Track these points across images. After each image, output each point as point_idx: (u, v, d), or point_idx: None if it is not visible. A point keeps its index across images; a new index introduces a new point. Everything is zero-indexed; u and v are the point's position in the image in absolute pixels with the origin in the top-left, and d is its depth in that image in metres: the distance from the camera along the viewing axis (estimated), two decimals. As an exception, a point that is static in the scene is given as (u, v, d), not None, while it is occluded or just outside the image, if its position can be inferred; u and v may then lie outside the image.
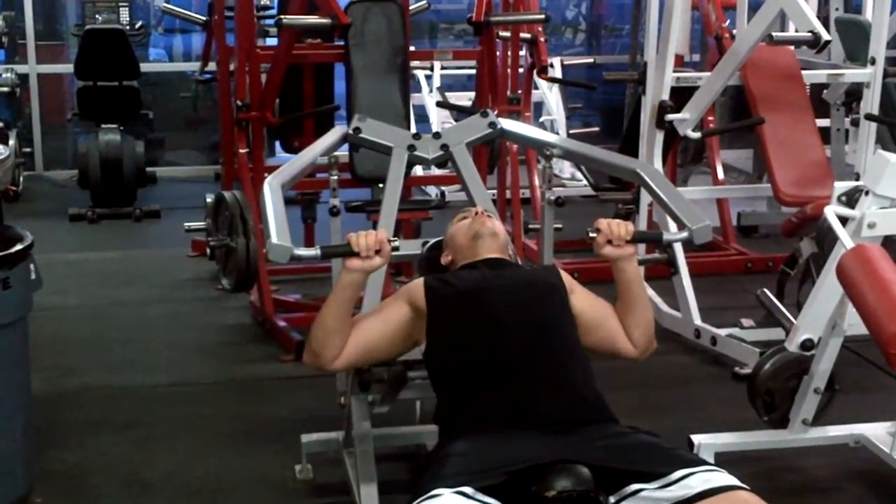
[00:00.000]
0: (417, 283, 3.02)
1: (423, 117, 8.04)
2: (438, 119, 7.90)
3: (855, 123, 5.56)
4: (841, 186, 3.31)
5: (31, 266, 3.43)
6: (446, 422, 2.82)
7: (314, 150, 3.64)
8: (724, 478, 2.47)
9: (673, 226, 4.40)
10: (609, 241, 3.00)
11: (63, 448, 4.02)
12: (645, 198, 5.40)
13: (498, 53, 6.13)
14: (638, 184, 3.77)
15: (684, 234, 3.23)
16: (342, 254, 2.96)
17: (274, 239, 3.03)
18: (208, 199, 5.45)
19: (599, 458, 2.53)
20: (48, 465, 3.85)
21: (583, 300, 3.04)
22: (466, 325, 2.88)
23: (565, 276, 3.07)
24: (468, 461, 2.52)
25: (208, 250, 5.30)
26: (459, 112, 6.65)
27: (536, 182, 6.48)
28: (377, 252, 2.92)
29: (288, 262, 3.07)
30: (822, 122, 5.98)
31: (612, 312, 3.07)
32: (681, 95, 5.20)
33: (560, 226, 4.12)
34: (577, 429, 2.66)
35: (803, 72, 5.50)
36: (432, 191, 7.40)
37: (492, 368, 2.78)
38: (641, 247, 5.54)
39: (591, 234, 3.03)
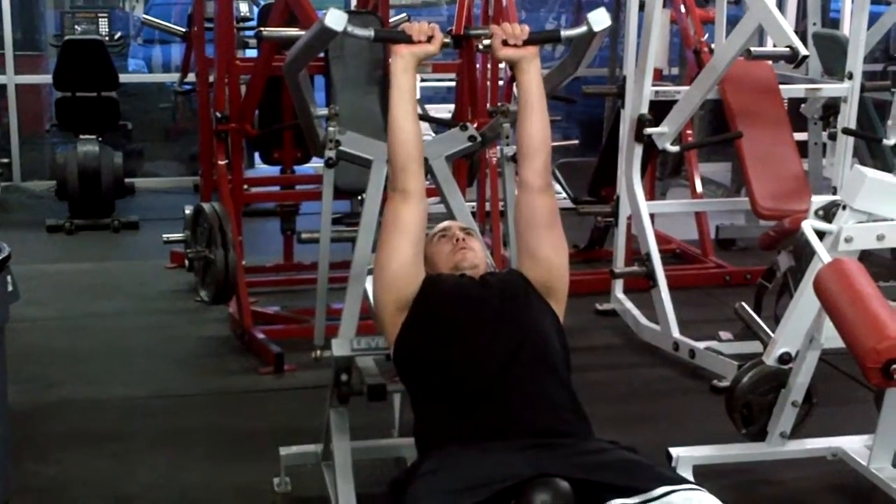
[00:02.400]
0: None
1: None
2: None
3: (832, 137, 5.59)
4: (818, 200, 3.32)
5: (9, 278, 3.41)
6: (425, 437, 2.80)
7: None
8: (705, 498, 2.46)
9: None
10: (506, 43, 2.98)
11: (40, 461, 4.00)
12: (624, 210, 5.42)
13: (478, 66, 6.14)
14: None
15: (582, 28, 3.16)
16: (396, 38, 2.95)
17: (333, 10, 3.01)
18: (187, 211, 5.44)
19: (580, 472, 2.51)
20: (25, 478, 3.83)
21: (520, 263, 3.01)
22: (442, 329, 2.85)
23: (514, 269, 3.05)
24: (448, 478, 2.50)
25: (187, 262, 5.29)
26: (439, 125, 6.66)
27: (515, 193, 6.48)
28: (429, 39, 2.92)
29: (341, 29, 3.01)
30: (800, 136, 6.02)
31: (514, 226, 3.08)
32: (660, 109, 5.22)
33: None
34: (557, 442, 2.65)
35: (781, 86, 5.53)
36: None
37: (470, 383, 2.76)
38: (620, 259, 5.57)
39: (486, 42, 3.00)
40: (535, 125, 2.99)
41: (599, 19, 3.11)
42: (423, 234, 2.98)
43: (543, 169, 2.99)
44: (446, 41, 2.97)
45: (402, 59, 2.93)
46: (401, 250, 2.91)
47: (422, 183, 2.95)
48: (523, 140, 3.00)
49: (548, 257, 2.97)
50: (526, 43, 2.97)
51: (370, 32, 3.03)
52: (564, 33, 3.19)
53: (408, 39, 2.92)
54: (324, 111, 3.75)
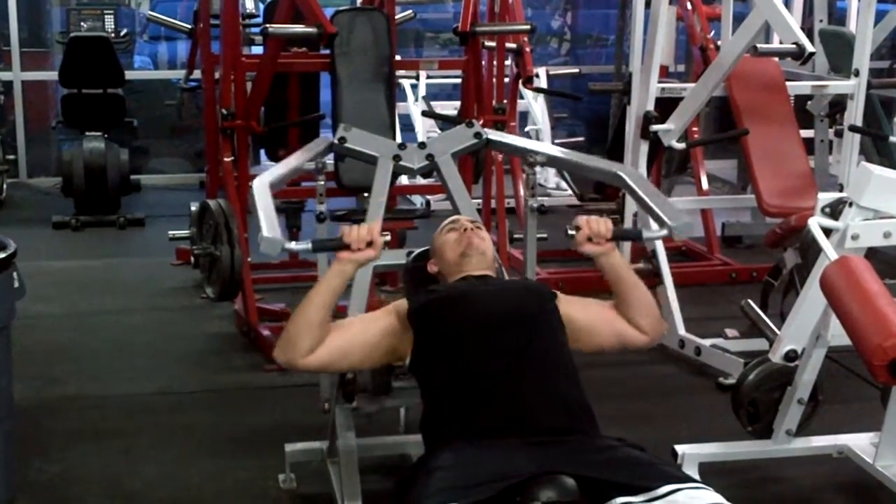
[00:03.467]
0: (404, 301, 3.02)
1: (408, 126, 8.04)
2: (424, 128, 7.90)
3: (839, 134, 5.57)
4: (825, 198, 3.32)
5: (15, 274, 3.42)
6: (432, 431, 2.81)
7: (300, 157, 3.64)
8: (710, 496, 2.47)
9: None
10: (589, 239, 3.00)
11: (45, 457, 4.00)
12: (630, 207, 5.41)
13: (483, 63, 6.13)
14: (621, 188, 3.79)
15: (664, 231, 3.24)
16: (334, 247, 2.96)
17: (266, 232, 3.02)
18: (193, 208, 5.44)
19: (586, 469, 2.52)
20: (30, 474, 3.84)
21: (574, 306, 3.04)
22: (453, 333, 2.87)
23: (553, 290, 3.08)
24: (455, 476, 2.51)
25: (192, 259, 5.29)
26: (445, 122, 6.66)
27: (521, 192, 6.49)
28: (369, 244, 2.92)
29: (279, 255, 3.06)
30: (806, 134, 6.00)
31: (607, 307, 3.08)
32: (665, 106, 5.21)
33: (545, 235, 4.14)
34: (563, 440, 2.66)
35: (788, 83, 5.52)
36: (417, 200, 7.40)
37: (478, 377, 2.77)
38: (626, 257, 5.56)
39: (571, 232, 3.03)
40: (640, 305, 3.08)
41: (683, 230, 3.25)
42: (343, 327, 3.00)
43: (655, 325, 3.11)
44: (386, 241, 2.96)
45: (341, 267, 2.93)
46: (366, 354, 2.98)
47: (318, 340, 2.92)
48: (634, 312, 3.06)
49: (595, 344, 3.08)
50: (609, 240, 3.03)
51: (308, 245, 3.04)
52: (646, 235, 3.41)
53: (346, 247, 2.92)
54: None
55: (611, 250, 3.04)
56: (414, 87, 8.31)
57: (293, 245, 3.09)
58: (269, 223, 3.07)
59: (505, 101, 6.48)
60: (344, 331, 2.97)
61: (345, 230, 2.93)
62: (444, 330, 2.88)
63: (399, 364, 3.05)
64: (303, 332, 2.88)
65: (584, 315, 3.03)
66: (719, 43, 6.28)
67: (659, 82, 5.20)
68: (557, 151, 3.97)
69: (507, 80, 6.70)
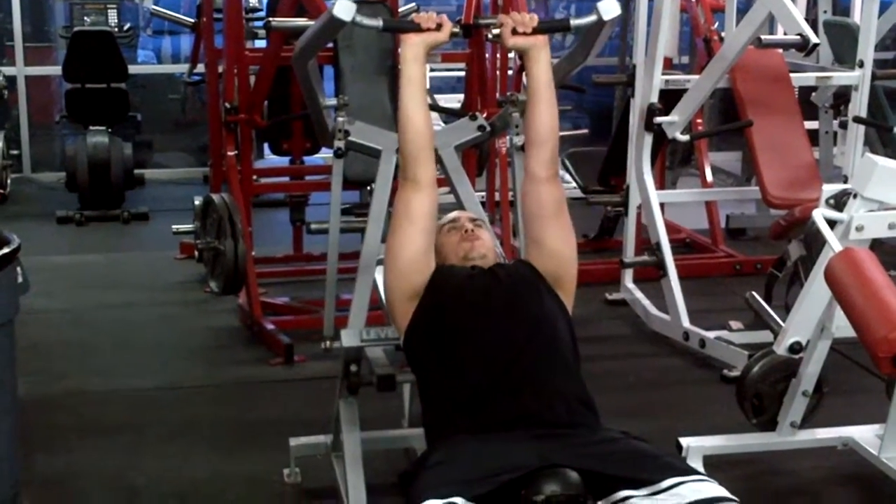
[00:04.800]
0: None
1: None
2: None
3: (843, 126, 5.57)
4: (829, 189, 3.31)
5: (18, 269, 3.41)
6: (435, 425, 2.80)
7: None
8: (714, 489, 2.46)
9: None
10: (515, 32, 2.97)
11: (50, 452, 4.01)
12: (634, 200, 5.41)
13: (487, 56, 6.12)
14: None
15: (592, 17, 3.15)
16: (404, 28, 2.95)
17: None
18: (196, 202, 5.44)
19: (589, 462, 2.51)
20: (35, 469, 3.84)
21: (527, 253, 3.01)
22: (452, 318, 2.84)
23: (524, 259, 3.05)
24: (458, 469, 2.50)
25: (196, 253, 5.29)
26: (448, 115, 6.64)
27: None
28: (438, 27, 2.92)
29: (349, 18, 3.02)
30: (811, 125, 5.99)
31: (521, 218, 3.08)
32: (669, 98, 5.20)
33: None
34: (567, 433, 2.65)
35: (792, 74, 5.51)
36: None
37: (481, 372, 2.76)
38: (630, 249, 5.56)
39: (495, 31, 2.99)
40: (543, 115, 2.98)
41: (609, 8, 3.10)
42: (434, 223, 2.98)
43: (550, 159, 2.98)
44: (455, 30, 2.96)
45: (411, 48, 2.92)
46: (412, 239, 2.90)
47: (433, 172, 2.94)
48: (531, 129, 3.00)
49: (555, 247, 2.96)
50: (535, 31, 2.96)
51: (379, 22, 3.03)
52: (574, 22, 3.19)
53: (416, 28, 2.92)
54: (333, 101, 3.73)
55: (541, 44, 2.97)
56: (417, 79, 8.28)
57: (365, 20, 3.05)
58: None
59: (508, 94, 6.46)
60: (434, 211, 2.96)
61: (415, 15, 2.94)
62: (445, 314, 2.85)
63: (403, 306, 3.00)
64: (406, 133, 2.89)
65: (533, 251, 2.98)
66: (723, 34, 6.26)
67: (663, 74, 5.19)
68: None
69: (510, 72, 6.69)
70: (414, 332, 2.90)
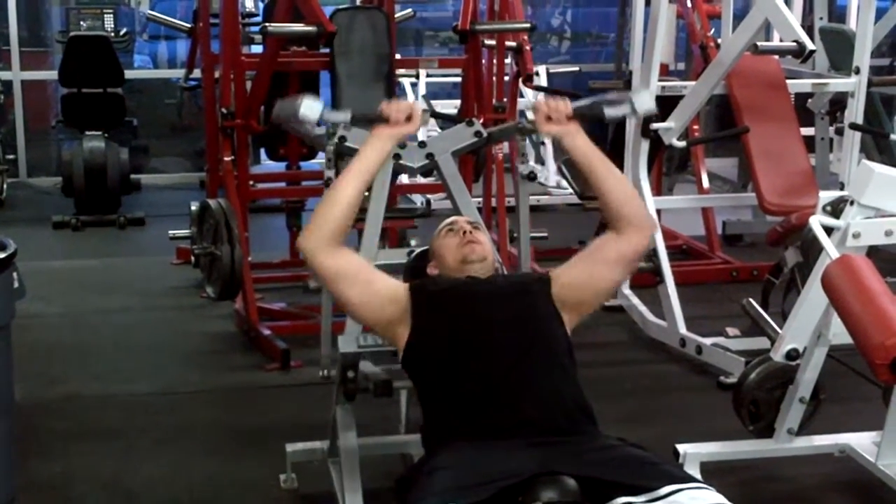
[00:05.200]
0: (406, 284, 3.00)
1: (408, 125, 8.02)
2: (424, 127, 7.89)
3: (839, 132, 5.57)
4: (826, 196, 3.32)
5: (15, 274, 3.41)
6: (433, 432, 2.80)
7: None
8: (712, 496, 2.46)
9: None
10: (549, 119, 2.96)
11: (46, 457, 4.00)
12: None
13: (483, 62, 6.13)
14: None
15: (626, 108, 3.14)
16: (373, 119, 2.93)
17: (306, 100, 2.99)
18: (193, 207, 5.44)
19: (587, 469, 2.52)
20: (31, 474, 3.83)
21: (564, 276, 2.95)
22: (452, 332, 2.84)
23: (546, 272, 3.04)
24: (455, 475, 2.50)
25: (193, 258, 5.28)
26: (445, 120, 6.64)
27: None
28: (408, 119, 2.90)
29: (316, 121, 3.00)
30: (807, 131, 6.00)
31: (595, 246, 2.99)
32: (666, 104, 5.20)
33: (545, 234, 4.14)
34: (564, 439, 2.65)
35: (788, 81, 5.52)
36: (418, 199, 7.40)
37: (479, 379, 2.76)
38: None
39: (530, 116, 2.99)
40: (617, 191, 2.93)
41: (643, 103, 3.12)
42: (359, 263, 2.95)
43: (639, 215, 2.95)
44: (425, 120, 2.92)
45: (378, 141, 2.90)
46: (362, 295, 2.89)
47: (341, 235, 2.89)
48: (611, 206, 2.93)
49: (595, 288, 2.94)
50: (569, 119, 2.96)
51: (346, 116, 2.99)
52: (608, 112, 3.17)
53: (385, 120, 2.89)
54: (321, 130, 3.66)
55: (574, 131, 2.96)
56: (414, 85, 8.30)
57: (332, 114, 3.04)
58: (309, 98, 3.01)
59: (505, 100, 6.46)
60: (364, 262, 2.96)
61: (384, 104, 2.91)
62: (442, 329, 2.86)
63: (386, 339, 3.00)
64: (331, 211, 2.84)
65: (579, 273, 2.93)
66: (719, 41, 6.27)
67: (659, 80, 5.19)
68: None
69: (507, 78, 6.69)
70: (412, 350, 2.90)
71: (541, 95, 3.07)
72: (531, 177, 3.61)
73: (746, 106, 5.37)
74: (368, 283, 2.90)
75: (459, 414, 2.74)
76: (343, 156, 3.60)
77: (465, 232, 3.07)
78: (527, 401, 2.72)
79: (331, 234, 2.84)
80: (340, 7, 5.49)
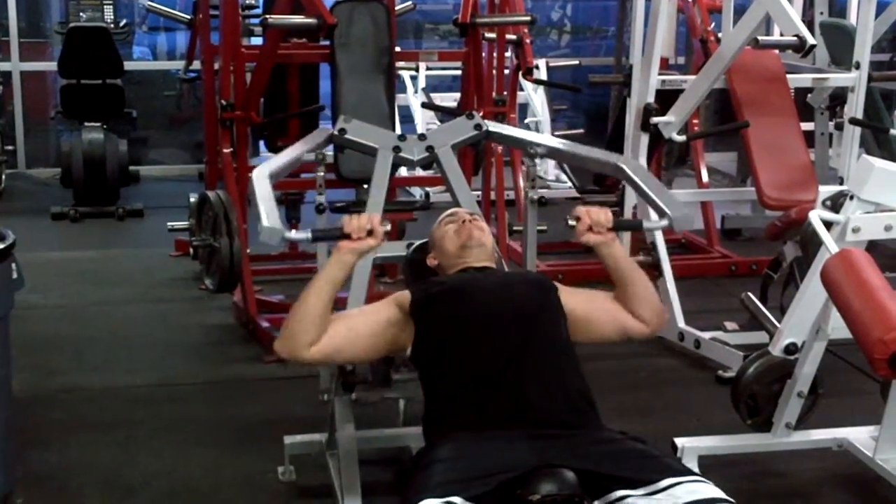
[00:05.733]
0: (406, 292, 3.01)
1: (408, 118, 8.03)
2: (423, 120, 7.89)
3: (839, 127, 5.56)
4: (825, 191, 3.31)
5: (13, 265, 3.41)
6: (434, 423, 2.80)
7: (300, 148, 3.64)
8: (709, 489, 2.47)
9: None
10: (590, 229, 2.99)
11: (44, 449, 4.00)
12: (630, 200, 5.40)
13: (483, 55, 6.12)
14: (621, 179, 3.79)
15: (664, 222, 3.24)
16: (334, 237, 2.94)
17: (266, 222, 3.01)
18: (192, 199, 5.44)
19: (586, 462, 2.52)
20: (29, 465, 3.83)
21: (574, 297, 3.02)
22: (455, 325, 2.86)
23: (554, 281, 3.08)
24: (455, 468, 2.50)
25: (191, 250, 5.28)
26: (444, 113, 6.65)
27: (521, 184, 6.48)
28: (369, 233, 2.90)
29: (279, 245, 3.04)
30: (807, 126, 5.99)
31: (608, 298, 3.07)
32: (666, 98, 5.20)
33: (545, 228, 4.13)
34: (565, 432, 2.66)
35: (788, 76, 5.51)
36: (417, 192, 7.40)
37: (481, 371, 2.77)
38: (626, 249, 5.55)
39: (571, 223, 3.02)
40: (641, 296, 3.04)
41: (683, 222, 3.25)
42: (347, 319, 2.98)
43: (656, 315, 3.07)
44: (387, 231, 2.93)
45: (342, 257, 2.90)
46: (370, 345, 2.94)
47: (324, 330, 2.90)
48: (634, 300, 3.03)
49: (586, 333, 3.03)
50: (609, 230, 3.01)
51: (308, 234, 3.02)
52: (647, 225, 3.40)
53: (346, 237, 2.90)
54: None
55: (611, 240, 3.02)
56: (414, 78, 8.29)
57: (293, 234, 3.08)
58: (268, 213, 3.06)
59: (505, 93, 6.47)
60: (346, 321, 2.94)
61: (345, 220, 2.91)
62: (446, 322, 2.87)
63: (400, 353, 3.03)
64: (304, 324, 2.85)
65: (584, 306, 3.02)
66: (720, 35, 6.26)
67: (659, 74, 5.19)
68: (557, 143, 3.96)
69: (507, 71, 6.69)
70: (420, 348, 2.93)
71: (580, 208, 3.08)
72: (541, 202, 3.62)
73: (746, 100, 5.37)
74: (365, 335, 2.93)
75: (462, 403, 2.75)
76: (343, 148, 3.60)
77: (464, 220, 3.11)
78: (531, 389, 2.73)
79: (306, 342, 2.86)
80: (340, -1, 5.47)
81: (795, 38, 4.55)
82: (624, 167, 3.57)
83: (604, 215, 3.00)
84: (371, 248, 2.94)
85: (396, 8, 5.97)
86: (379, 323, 2.94)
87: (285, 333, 2.90)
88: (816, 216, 3.16)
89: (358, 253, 2.92)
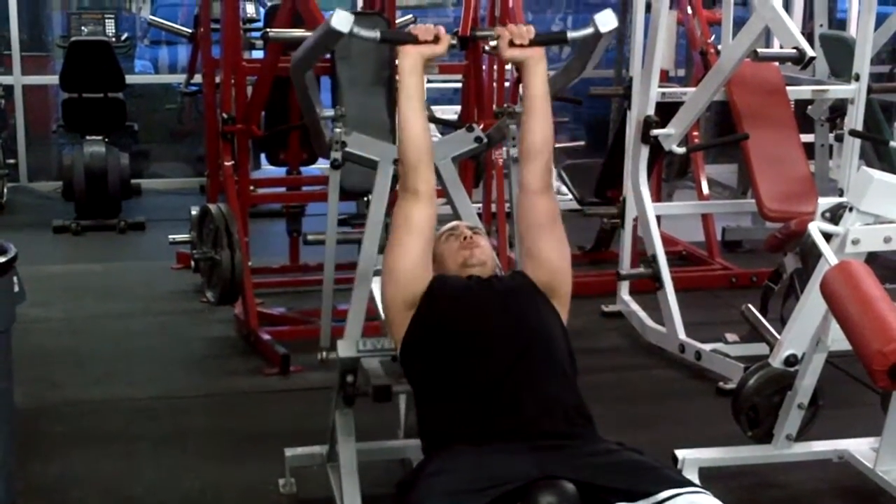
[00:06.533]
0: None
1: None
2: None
3: (839, 139, 5.57)
4: (825, 202, 3.32)
5: (15, 278, 3.41)
6: (432, 435, 2.80)
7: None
8: (709, 501, 2.46)
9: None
10: (512, 43, 2.97)
11: (46, 461, 4.00)
12: (630, 212, 5.41)
13: (484, 67, 6.13)
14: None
15: (589, 29, 3.17)
16: (402, 38, 2.95)
17: (339, 13, 3.02)
18: (193, 212, 5.45)
19: (586, 474, 2.52)
20: (31, 478, 3.83)
21: (525, 263, 3.02)
22: (449, 329, 2.85)
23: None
24: (454, 480, 2.50)
25: (193, 263, 5.29)
26: (445, 126, 6.65)
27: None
28: (435, 39, 2.92)
29: (347, 35, 3.02)
30: (807, 138, 6.00)
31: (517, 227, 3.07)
32: (666, 110, 5.21)
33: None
34: (563, 444, 2.65)
35: (788, 88, 5.52)
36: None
37: (478, 382, 2.76)
38: (626, 261, 5.56)
39: (492, 43, 3.00)
40: (537, 127, 2.99)
41: (606, 21, 3.12)
42: (433, 234, 2.99)
43: (543, 171, 2.99)
44: (453, 42, 2.97)
45: (409, 59, 2.93)
46: (411, 249, 2.91)
47: (432, 183, 2.96)
48: (525, 141, 3.01)
49: (548, 258, 2.97)
50: (532, 43, 2.97)
51: (376, 34, 3.03)
52: (571, 34, 3.19)
53: (414, 40, 2.93)
54: (330, 112, 3.74)
55: (538, 57, 2.98)
56: (414, 91, 8.28)
57: (363, 31, 3.05)
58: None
59: (506, 105, 6.47)
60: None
61: (412, 27, 2.95)
62: (440, 325, 2.86)
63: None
64: (414, 144, 2.90)
65: (528, 256, 3.00)
66: (720, 47, 6.28)
67: (659, 87, 5.20)
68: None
69: (507, 84, 6.70)
70: (411, 342, 2.90)
71: (500, 28, 3.05)
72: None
73: (746, 112, 5.37)
74: (427, 244, 2.93)
75: (459, 416, 2.74)
76: (345, 162, 3.61)
77: (465, 237, 3.10)
78: (527, 404, 2.72)
79: (416, 166, 2.89)
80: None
81: (795, 51, 4.56)
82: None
83: (525, 28, 2.98)
84: (435, 54, 2.95)
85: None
86: (426, 256, 2.95)
87: (403, 169, 2.92)
88: (816, 228, 3.16)
89: (424, 57, 2.93)
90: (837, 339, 3.19)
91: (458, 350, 2.82)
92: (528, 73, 2.99)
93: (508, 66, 6.63)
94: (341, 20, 3.01)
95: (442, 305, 2.89)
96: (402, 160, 2.94)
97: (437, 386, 2.83)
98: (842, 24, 7.18)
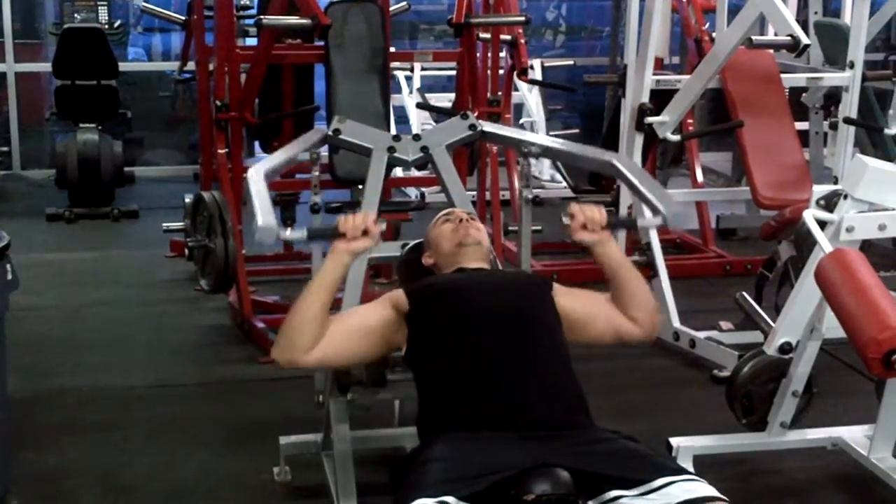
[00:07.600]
0: (400, 291, 3.00)
1: (403, 118, 8.03)
2: (418, 120, 7.89)
3: (833, 127, 5.57)
4: (819, 190, 3.32)
5: (8, 266, 3.40)
6: (428, 423, 2.80)
7: (295, 148, 3.63)
8: (704, 488, 2.47)
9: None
10: (584, 227, 2.99)
11: (39, 450, 4.00)
12: (625, 199, 5.41)
13: (478, 55, 6.12)
14: (615, 176, 3.77)
15: (658, 219, 3.24)
16: (329, 235, 2.95)
17: (261, 221, 3.01)
18: (187, 200, 5.44)
19: (580, 462, 2.52)
20: (24, 466, 3.83)
21: (570, 298, 3.02)
22: (449, 324, 2.86)
23: (549, 277, 3.07)
24: (449, 468, 2.50)
25: (187, 251, 5.28)
26: (439, 113, 6.64)
27: (516, 184, 6.48)
28: (364, 233, 2.90)
29: (274, 244, 3.05)
30: (801, 126, 6.00)
31: (604, 300, 3.06)
32: (660, 98, 5.20)
33: (539, 227, 4.14)
34: (559, 432, 2.65)
35: (782, 75, 5.51)
36: (412, 192, 7.40)
37: (475, 370, 2.77)
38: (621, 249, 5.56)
39: (566, 220, 3.02)
40: (636, 297, 3.03)
41: (678, 218, 3.32)
42: (344, 320, 2.98)
43: (650, 318, 3.06)
44: (382, 230, 2.94)
45: (337, 257, 2.90)
46: (365, 345, 2.94)
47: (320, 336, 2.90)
48: (630, 302, 3.02)
49: (584, 335, 3.03)
50: (604, 228, 3.00)
51: (303, 233, 3.04)
52: (641, 222, 3.51)
53: (341, 236, 2.90)
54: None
55: (606, 239, 3.02)
56: (408, 78, 8.29)
57: (288, 233, 3.08)
58: (263, 211, 3.06)
59: (500, 93, 6.46)
60: (341, 324, 2.93)
61: (340, 220, 2.92)
62: (440, 321, 2.87)
63: (395, 354, 3.03)
64: (302, 330, 2.84)
65: (580, 307, 3.01)
66: (714, 35, 6.27)
67: (654, 74, 5.19)
68: (552, 142, 3.96)
69: (501, 71, 6.68)
70: (415, 349, 2.92)
71: (574, 205, 3.07)
72: (536, 202, 3.62)
73: (741, 100, 5.37)
74: (361, 336, 2.93)
75: (457, 403, 2.75)
76: (338, 149, 3.60)
77: (461, 220, 3.13)
78: (522, 393, 2.73)
79: (304, 347, 2.86)
80: (335, -1, 5.48)
81: (790, 38, 4.56)
82: (617, 164, 3.57)
83: (598, 213, 3.00)
84: (366, 248, 2.94)
85: (391, 8, 5.97)
86: (374, 324, 2.94)
87: (282, 342, 2.89)
88: (810, 216, 3.16)
89: (353, 253, 2.92)
90: (832, 327, 3.19)
91: (459, 338, 2.83)
92: (602, 250, 3.02)
93: (503, 54, 6.62)
94: (266, 232, 3.00)
95: (440, 305, 2.91)
96: (290, 335, 2.87)
97: (436, 375, 2.84)
98: (836, 11, 7.17)
